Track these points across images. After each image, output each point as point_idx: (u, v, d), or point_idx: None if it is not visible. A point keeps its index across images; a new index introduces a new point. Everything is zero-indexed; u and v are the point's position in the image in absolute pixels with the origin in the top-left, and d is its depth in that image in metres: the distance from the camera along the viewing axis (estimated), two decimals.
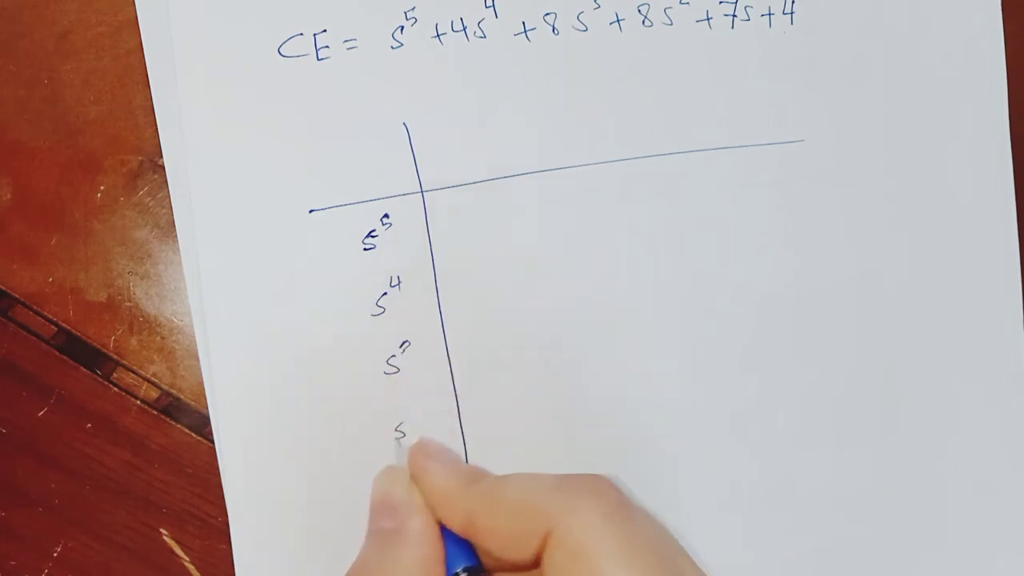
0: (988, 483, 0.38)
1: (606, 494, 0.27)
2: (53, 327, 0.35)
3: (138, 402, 0.35)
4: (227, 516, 0.34)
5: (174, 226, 0.34)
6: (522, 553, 0.27)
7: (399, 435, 0.34)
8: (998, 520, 0.38)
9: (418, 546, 0.28)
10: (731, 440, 0.36)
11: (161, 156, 0.34)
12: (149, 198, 0.35)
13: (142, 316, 0.35)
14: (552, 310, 0.35)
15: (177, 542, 0.36)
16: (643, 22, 0.36)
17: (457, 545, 0.29)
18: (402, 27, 0.34)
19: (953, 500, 0.38)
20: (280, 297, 0.34)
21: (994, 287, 0.38)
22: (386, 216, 0.34)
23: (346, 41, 0.34)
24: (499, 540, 0.27)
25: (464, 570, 0.28)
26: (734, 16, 0.36)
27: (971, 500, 0.38)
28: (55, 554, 0.35)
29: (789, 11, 0.36)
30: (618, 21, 0.35)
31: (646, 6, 0.36)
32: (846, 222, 0.37)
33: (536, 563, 0.27)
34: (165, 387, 0.35)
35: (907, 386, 0.38)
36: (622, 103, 0.36)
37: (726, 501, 0.37)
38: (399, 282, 0.34)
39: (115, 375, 0.35)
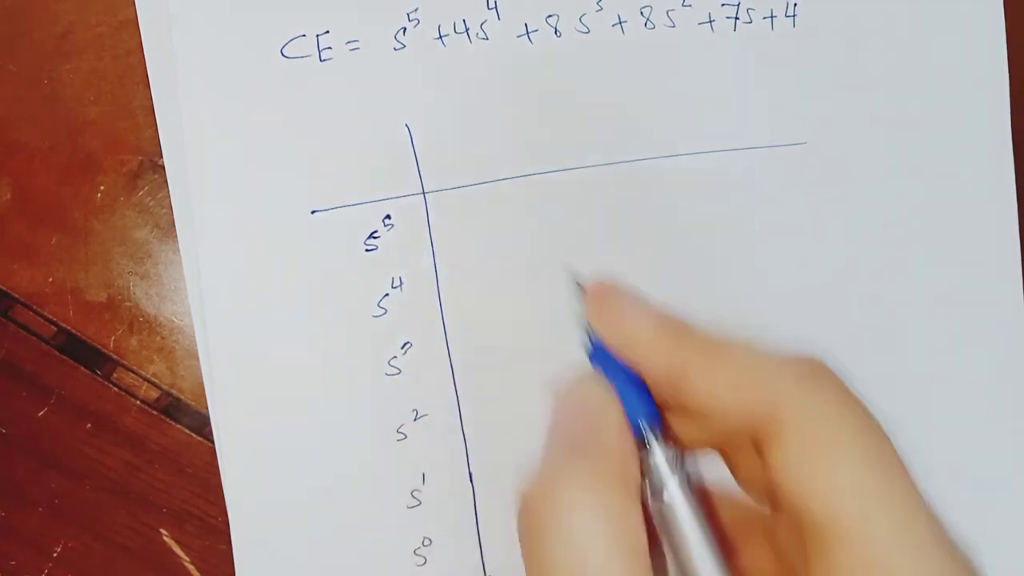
0: (988, 484, 0.38)
1: (834, 375, 0.25)
2: (53, 327, 0.35)
3: (138, 402, 0.35)
4: (227, 516, 0.34)
5: (174, 226, 0.34)
6: (733, 423, 0.24)
7: (575, 278, 0.30)
8: (997, 521, 0.38)
9: (614, 447, 0.25)
10: None
11: (161, 156, 0.34)
12: (149, 198, 0.35)
13: (142, 316, 0.35)
14: (553, 311, 0.35)
15: (177, 542, 0.36)
16: (645, 24, 0.36)
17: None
18: (404, 28, 0.34)
19: (952, 500, 0.38)
20: (281, 298, 0.34)
21: (995, 287, 0.38)
22: (388, 217, 0.34)
23: (349, 42, 0.34)
24: (715, 403, 0.24)
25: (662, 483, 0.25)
26: (736, 19, 0.36)
27: (970, 501, 0.38)
28: (55, 554, 0.35)
29: (791, 14, 0.36)
30: (620, 23, 0.35)
31: (648, 8, 0.36)
32: (847, 224, 0.37)
33: (745, 444, 0.25)
34: (165, 387, 0.35)
35: (907, 385, 0.38)
36: (624, 105, 0.36)
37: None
38: (401, 283, 0.34)
39: (115, 375, 0.35)
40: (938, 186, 0.38)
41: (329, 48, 0.34)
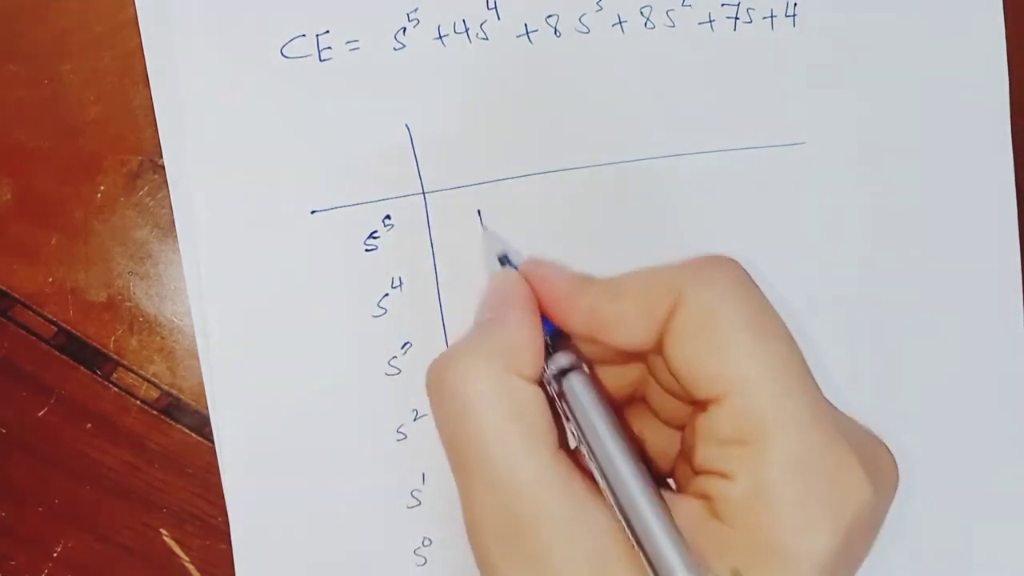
0: (988, 485, 0.38)
1: (734, 267, 0.27)
2: (53, 327, 0.35)
3: (138, 402, 0.35)
4: (227, 516, 0.34)
5: (174, 226, 0.34)
6: (648, 333, 0.27)
7: (485, 227, 0.34)
8: (997, 522, 0.38)
9: (514, 331, 0.27)
10: None
11: (161, 156, 0.34)
12: (149, 198, 0.35)
13: (142, 316, 0.35)
14: None
15: (177, 542, 0.36)
16: (645, 24, 0.36)
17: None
18: (404, 28, 0.34)
19: (952, 501, 0.38)
20: (281, 298, 0.34)
21: (995, 287, 0.38)
22: (388, 217, 0.34)
23: (349, 42, 0.34)
24: (625, 324, 0.27)
25: (563, 371, 0.28)
26: (736, 19, 0.36)
27: (970, 502, 0.38)
28: (55, 554, 0.35)
29: (791, 13, 0.36)
30: (620, 23, 0.35)
31: (648, 8, 0.36)
32: (847, 224, 0.37)
33: (658, 347, 0.27)
34: (165, 387, 0.35)
35: (906, 385, 0.38)
36: (624, 105, 0.36)
37: None
38: (401, 283, 0.34)
39: (115, 375, 0.35)
40: (938, 186, 0.38)
41: (329, 48, 0.34)
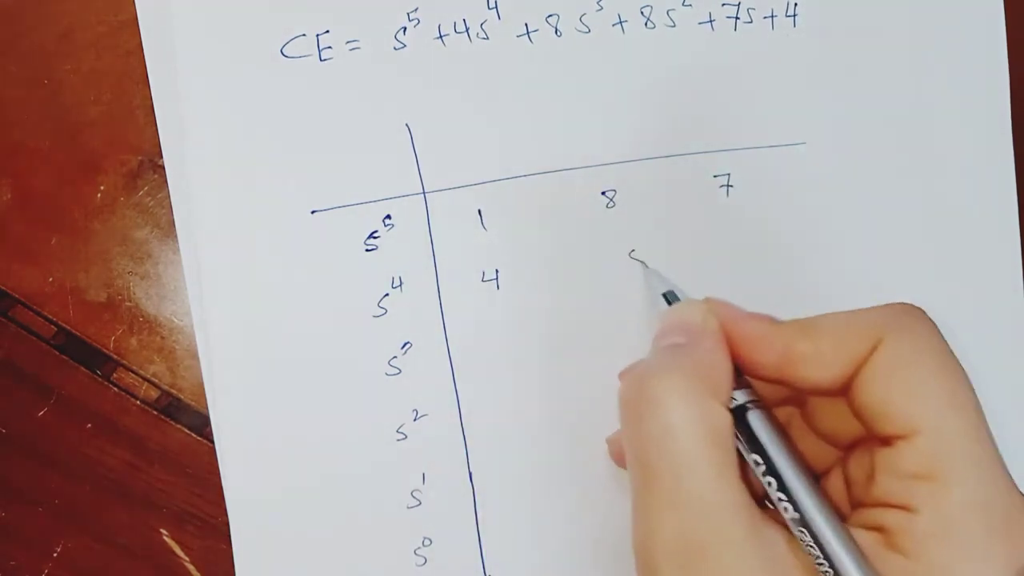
0: None
1: (928, 319, 0.28)
2: (53, 327, 0.35)
3: (138, 402, 0.35)
4: (227, 516, 0.34)
5: (174, 226, 0.34)
6: (842, 372, 0.27)
7: (639, 261, 0.35)
8: None
9: (709, 357, 0.28)
10: None
11: (161, 156, 0.34)
12: (149, 198, 0.35)
13: (142, 316, 0.35)
14: (553, 311, 0.35)
15: (177, 542, 0.36)
16: (646, 24, 0.36)
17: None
18: (405, 28, 0.34)
19: None
20: (281, 298, 0.34)
21: (995, 287, 0.38)
22: (388, 217, 0.34)
23: (349, 42, 0.34)
24: (821, 362, 0.27)
25: (742, 406, 0.28)
26: (736, 18, 0.36)
27: None
28: (55, 554, 0.35)
29: (792, 13, 0.36)
30: (620, 23, 0.35)
31: (648, 8, 0.36)
32: (847, 225, 0.37)
33: (843, 389, 0.28)
34: (165, 387, 0.35)
35: None
36: (624, 105, 0.36)
37: None
38: (401, 283, 0.34)
39: (115, 375, 0.35)
40: (938, 186, 0.38)
41: (329, 48, 0.34)
